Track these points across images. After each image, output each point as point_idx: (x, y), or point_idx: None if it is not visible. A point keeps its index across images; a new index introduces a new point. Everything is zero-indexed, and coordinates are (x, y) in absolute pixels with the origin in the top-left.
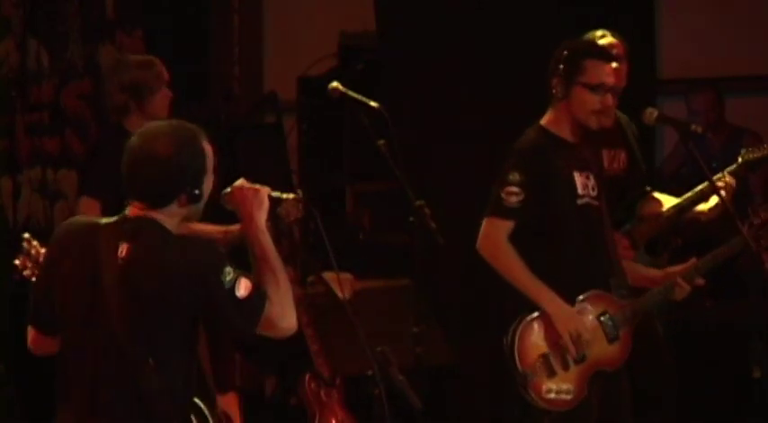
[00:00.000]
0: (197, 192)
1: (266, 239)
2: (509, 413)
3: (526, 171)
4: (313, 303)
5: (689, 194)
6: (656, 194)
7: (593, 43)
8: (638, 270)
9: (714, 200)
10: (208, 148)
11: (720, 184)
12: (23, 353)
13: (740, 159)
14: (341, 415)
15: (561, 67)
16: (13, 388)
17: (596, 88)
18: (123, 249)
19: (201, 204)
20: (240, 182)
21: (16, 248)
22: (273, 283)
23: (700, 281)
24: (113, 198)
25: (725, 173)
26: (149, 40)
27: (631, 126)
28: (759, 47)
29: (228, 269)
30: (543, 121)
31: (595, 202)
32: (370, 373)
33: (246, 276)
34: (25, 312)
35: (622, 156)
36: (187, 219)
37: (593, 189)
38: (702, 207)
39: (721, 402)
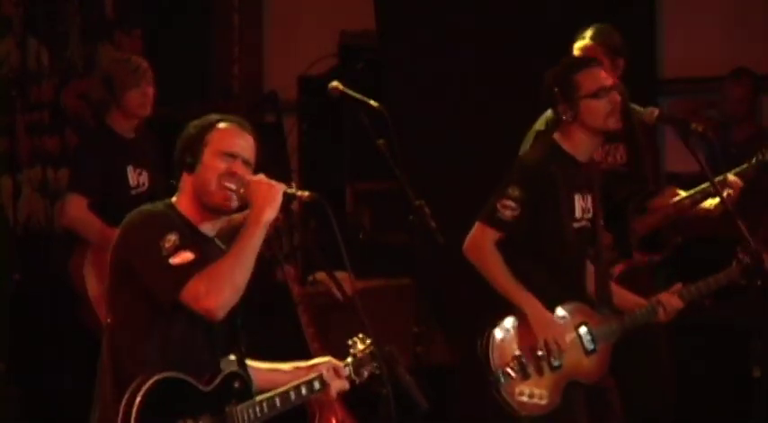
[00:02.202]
0: (189, 159)
1: (258, 234)
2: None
3: (527, 188)
4: (313, 303)
5: (698, 189)
6: (673, 189)
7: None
8: (624, 294)
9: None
10: (222, 129)
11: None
12: (25, 352)
13: (754, 160)
14: (341, 414)
15: (556, 90)
16: (14, 387)
17: (599, 93)
18: None
19: (202, 177)
20: (259, 176)
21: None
22: (221, 265)
23: (679, 302)
24: (100, 193)
25: (726, 175)
26: (149, 40)
27: (643, 120)
28: (760, 46)
29: (171, 237)
30: (557, 136)
31: (588, 225)
32: (377, 372)
33: (192, 251)
34: (25, 312)
35: (621, 150)
36: (200, 196)
37: (587, 211)
38: (708, 203)
39: (721, 402)
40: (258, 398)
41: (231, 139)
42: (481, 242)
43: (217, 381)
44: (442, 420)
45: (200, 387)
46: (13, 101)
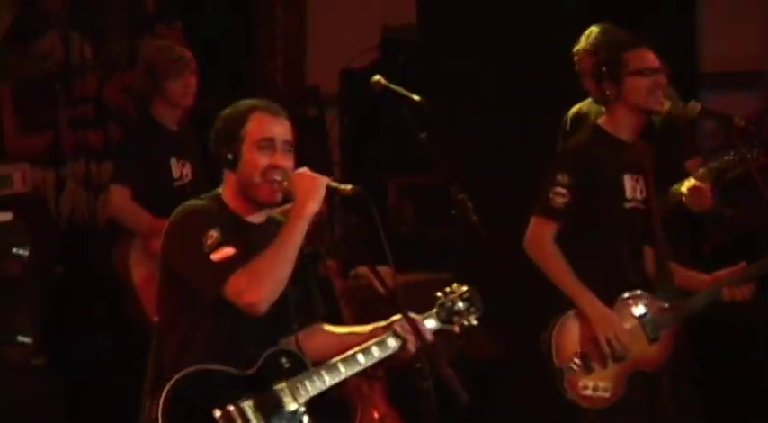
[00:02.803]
0: (230, 156)
1: (300, 227)
2: (551, 408)
3: (575, 172)
4: (355, 297)
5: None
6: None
7: (624, 36)
8: (686, 273)
9: (686, 184)
10: (256, 118)
11: (684, 189)
12: (66, 346)
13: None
14: (383, 408)
15: (604, 69)
16: (58, 379)
17: (645, 72)
18: None
19: (244, 174)
20: (303, 169)
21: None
22: (263, 259)
23: (746, 288)
24: (142, 184)
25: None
26: (190, 34)
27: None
28: None
29: (213, 233)
30: (600, 121)
31: (642, 206)
32: (418, 365)
33: (234, 246)
34: (68, 306)
35: None
36: (245, 192)
37: (641, 192)
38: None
39: (749, 399)
40: (318, 367)
41: (266, 127)
42: (539, 237)
43: (259, 362)
44: (483, 414)
45: (240, 373)
46: (56, 95)
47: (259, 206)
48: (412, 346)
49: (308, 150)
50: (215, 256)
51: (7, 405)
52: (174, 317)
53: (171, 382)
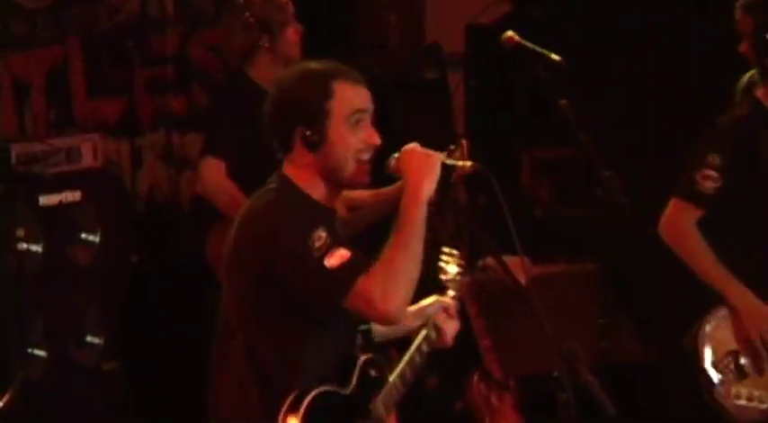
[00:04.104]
0: (309, 133)
1: (418, 213)
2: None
3: (729, 153)
4: (483, 291)
5: None
6: None
7: None
8: None
9: None
10: (342, 90)
11: None
12: (143, 347)
13: None
14: (514, 421)
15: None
16: (126, 386)
17: None
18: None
19: (332, 156)
20: (412, 146)
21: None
22: (391, 259)
23: None
24: (240, 157)
25: None
26: None
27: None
28: None
29: (320, 234)
30: (759, 94)
31: None
32: (555, 374)
33: (345, 246)
34: (144, 300)
35: None
36: (329, 175)
37: None
38: None
39: None
40: (391, 379)
41: (355, 98)
42: (679, 221)
43: (354, 379)
44: None
45: (343, 391)
46: (130, 53)
47: (339, 190)
48: (449, 338)
49: (427, 118)
50: (331, 263)
51: (74, 415)
52: (271, 330)
53: (304, 407)
